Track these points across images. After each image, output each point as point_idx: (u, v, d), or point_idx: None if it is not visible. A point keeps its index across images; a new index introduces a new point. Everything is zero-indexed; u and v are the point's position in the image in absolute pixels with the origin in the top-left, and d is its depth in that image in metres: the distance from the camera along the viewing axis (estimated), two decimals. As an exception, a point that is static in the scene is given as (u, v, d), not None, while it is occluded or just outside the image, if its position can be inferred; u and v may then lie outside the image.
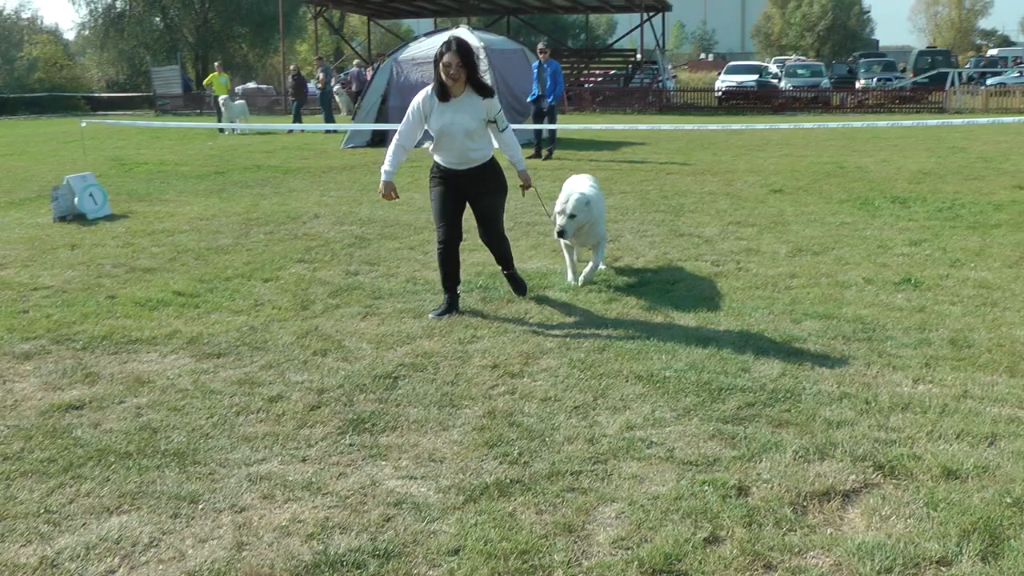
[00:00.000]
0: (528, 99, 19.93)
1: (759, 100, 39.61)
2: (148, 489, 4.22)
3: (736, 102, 39.72)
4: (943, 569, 3.44)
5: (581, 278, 7.87)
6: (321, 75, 30.61)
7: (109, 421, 5.05)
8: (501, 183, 7.18)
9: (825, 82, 42.36)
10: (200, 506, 4.06)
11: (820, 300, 7.11)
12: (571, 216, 7.40)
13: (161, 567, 3.58)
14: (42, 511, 4.04)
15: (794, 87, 41.22)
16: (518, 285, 7.59)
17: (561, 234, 7.48)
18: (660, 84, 44.08)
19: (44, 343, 6.47)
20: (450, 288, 7.19)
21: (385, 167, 7.00)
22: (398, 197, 7.13)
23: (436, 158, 7.11)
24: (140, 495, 4.16)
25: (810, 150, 19.50)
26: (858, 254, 8.75)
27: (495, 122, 6.98)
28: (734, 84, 41.95)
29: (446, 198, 7.06)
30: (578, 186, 7.86)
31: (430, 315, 7.01)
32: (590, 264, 7.88)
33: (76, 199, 11.89)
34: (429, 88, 6.90)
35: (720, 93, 41.42)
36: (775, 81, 44.36)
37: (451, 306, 7.12)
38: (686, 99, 41.98)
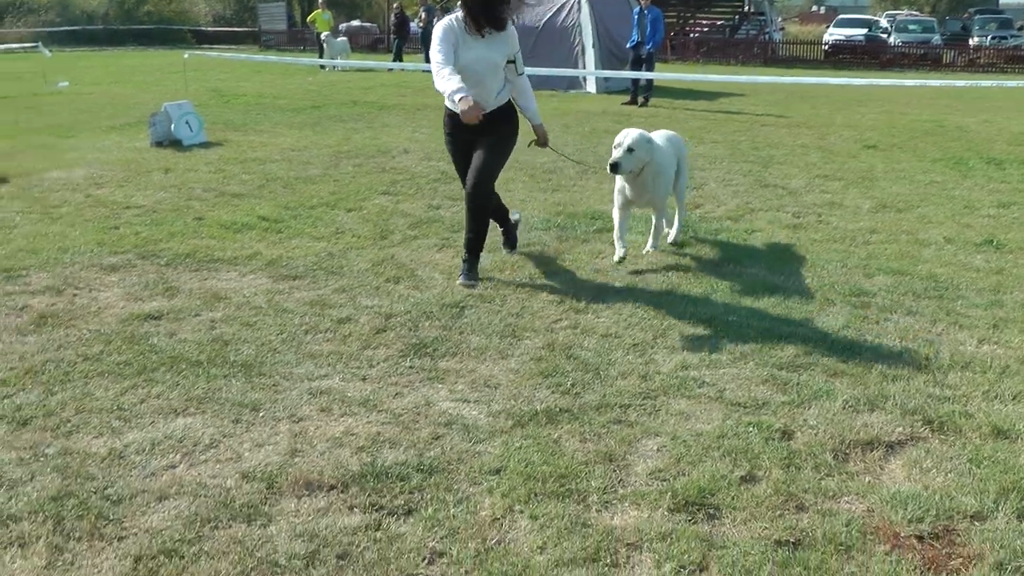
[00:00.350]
0: (627, 45, 19.79)
1: (867, 55, 38.57)
2: (214, 395, 4.46)
3: (843, 56, 38.76)
4: (976, 523, 3.45)
5: (649, 244, 7.12)
6: (423, 14, 30.68)
7: (184, 332, 5.30)
8: (513, 129, 6.39)
9: (936, 38, 40.97)
10: (261, 414, 4.28)
11: (896, 256, 7.04)
12: (629, 150, 6.42)
13: (218, 466, 3.80)
14: (115, 408, 4.31)
15: (903, 43, 40.01)
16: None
17: (615, 168, 6.40)
18: (766, 36, 43.21)
19: (131, 257, 6.77)
20: (503, 222, 6.95)
21: (457, 87, 5.72)
22: (485, 111, 5.97)
23: (451, 105, 6.07)
24: (206, 400, 4.40)
25: (912, 107, 19.05)
26: (943, 213, 8.61)
27: (514, 63, 6.27)
28: (842, 38, 40.84)
29: (463, 155, 6.39)
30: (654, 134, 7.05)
31: (504, 251, 6.99)
32: (675, 226, 7.36)
33: (173, 126, 12.24)
34: (450, 19, 6.06)
35: (827, 47, 40.42)
36: (884, 36, 43.10)
37: (509, 238, 7.07)
38: (792, 52, 41.08)
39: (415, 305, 5.80)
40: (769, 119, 16.70)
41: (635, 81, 19.14)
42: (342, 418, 4.25)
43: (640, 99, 19.10)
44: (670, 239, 7.36)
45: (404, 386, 4.63)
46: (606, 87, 21.83)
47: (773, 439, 4.08)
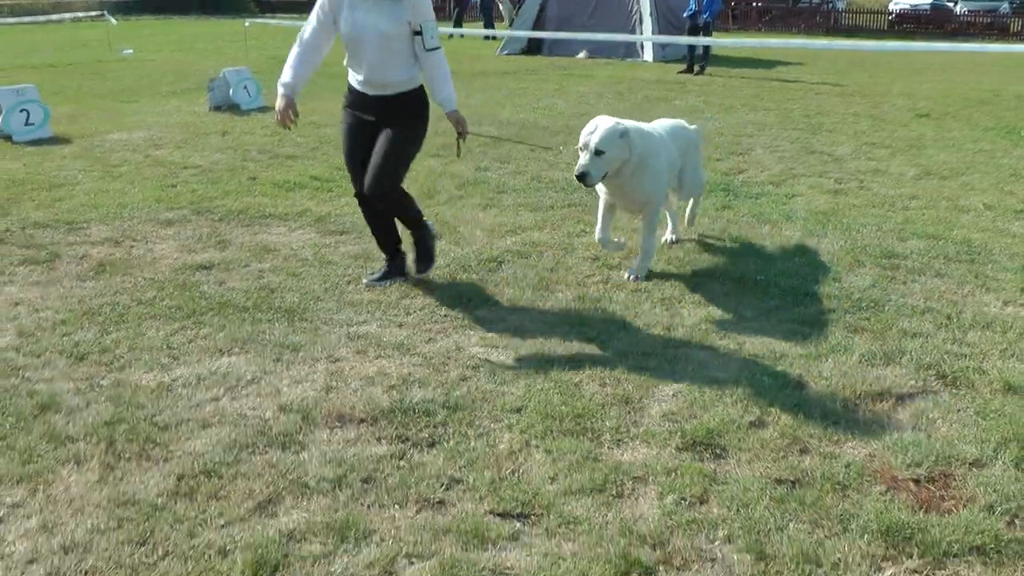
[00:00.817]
0: (684, 15, 19.78)
1: (931, 24, 37.97)
2: (258, 337, 4.76)
3: (907, 26, 38.19)
4: (974, 470, 3.60)
5: (627, 273, 5.76)
6: (482, -18, 30.80)
7: (233, 280, 5.61)
8: (416, 118, 5.38)
9: (1004, 7, 40.15)
10: (300, 354, 4.57)
11: (933, 222, 7.11)
12: (597, 153, 5.27)
13: (259, 399, 4.09)
14: (165, 347, 4.64)
15: (969, 11, 39.27)
16: (422, 254, 5.69)
17: (581, 178, 5.31)
18: (829, 5, 42.66)
19: (186, 213, 7.11)
20: (387, 249, 5.71)
21: (282, 79, 5.30)
22: (295, 119, 5.39)
23: (349, 78, 5.43)
24: (250, 342, 4.69)
25: (971, 76, 18.84)
26: (986, 181, 8.63)
27: (420, 35, 5.18)
28: (907, 6, 40.20)
29: (355, 137, 5.40)
30: (649, 125, 5.95)
31: (363, 281, 5.65)
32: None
33: (231, 91, 12.58)
34: None
35: (892, 16, 39.83)
36: (951, 4, 42.31)
37: (392, 270, 5.67)
38: (855, 21, 40.55)
39: (455, 259, 6.04)
40: (824, 87, 16.65)
41: (691, 49, 19.13)
42: (376, 360, 4.52)
43: (696, 67, 19.09)
44: (666, 237, 6.49)
45: (437, 332, 4.88)
46: (663, 55, 21.83)
47: (786, 388, 4.25)
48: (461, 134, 5.48)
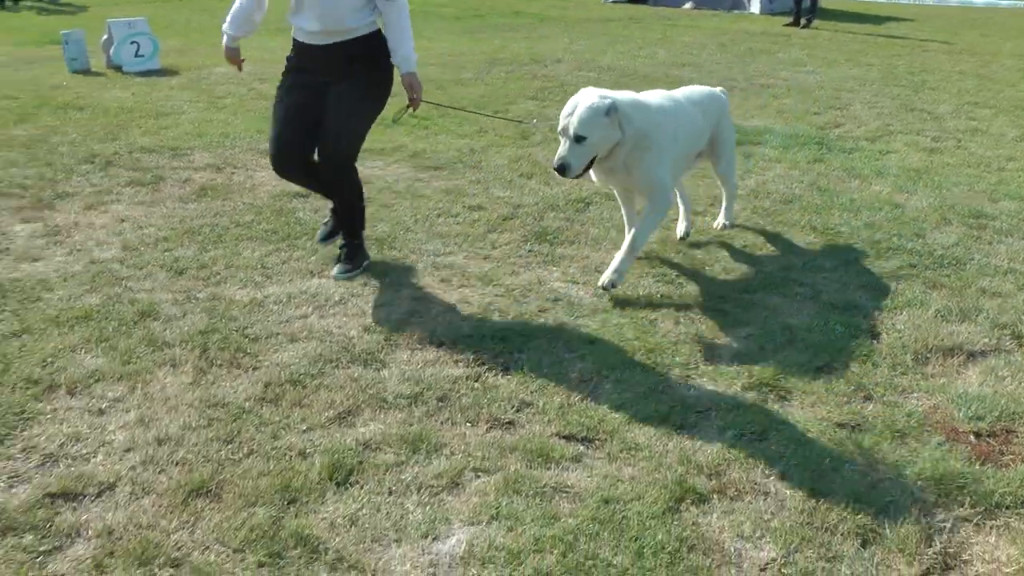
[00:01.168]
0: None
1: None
2: (348, 263, 4.96)
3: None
4: (1037, 427, 3.65)
5: (606, 277, 4.59)
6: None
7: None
8: (378, 71, 4.65)
9: None
10: (387, 280, 4.79)
11: (1028, 184, 7.02)
12: (577, 139, 4.39)
13: (345, 319, 4.33)
14: (259, 266, 4.91)
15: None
16: (348, 256, 4.88)
17: (561, 171, 4.44)
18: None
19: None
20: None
21: (225, 25, 4.84)
22: (240, 67, 5.11)
23: (294, 32, 4.74)
24: (340, 266, 4.90)
25: (1091, 41, 18.20)
26: (1090, 146, 8.44)
27: None
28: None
29: (292, 94, 4.68)
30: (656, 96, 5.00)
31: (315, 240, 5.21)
32: (721, 213, 5.76)
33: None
34: None
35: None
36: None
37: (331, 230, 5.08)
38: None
39: (543, 198, 6.18)
40: (933, 44, 16.25)
41: (798, 1, 18.80)
42: (460, 288, 4.72)
43: (803, 20, 18.76)
44: (719, 221, 5.77)
45: (521, 266, 5.05)
46: (770, 8, 21.48)
47: (858, 337, 4.32)
48: (412, 102, 4.73)
